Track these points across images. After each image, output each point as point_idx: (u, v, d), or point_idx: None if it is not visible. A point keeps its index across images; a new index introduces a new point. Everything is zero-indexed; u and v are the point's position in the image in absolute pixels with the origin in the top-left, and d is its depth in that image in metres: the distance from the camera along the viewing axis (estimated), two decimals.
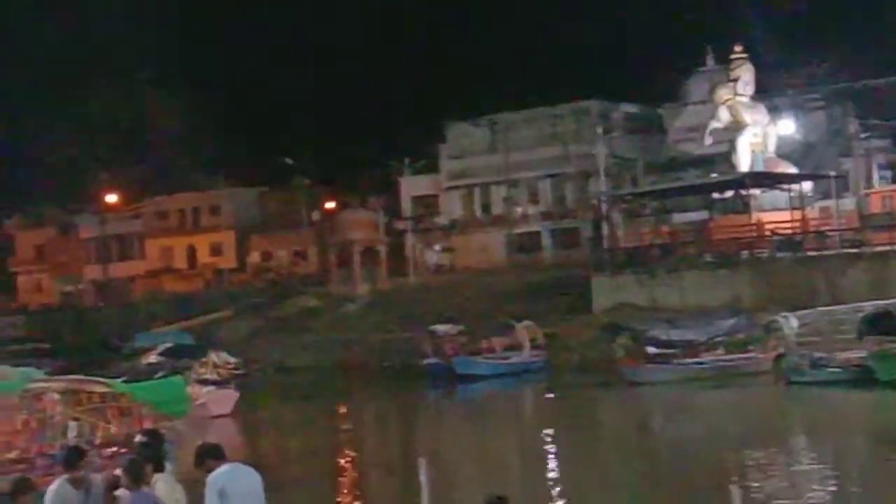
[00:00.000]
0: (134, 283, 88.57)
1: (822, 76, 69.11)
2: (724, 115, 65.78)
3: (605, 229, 64.70)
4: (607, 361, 48.26)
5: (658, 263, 57.83)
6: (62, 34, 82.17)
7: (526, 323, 54.69)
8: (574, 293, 59.49)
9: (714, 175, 62.62)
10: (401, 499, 23.46)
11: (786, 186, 60.55)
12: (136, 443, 12.28)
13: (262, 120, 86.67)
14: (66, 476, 10.92)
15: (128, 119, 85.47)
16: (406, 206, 78.96)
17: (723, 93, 65.91)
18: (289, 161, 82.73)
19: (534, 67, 77.28)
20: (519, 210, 74.39)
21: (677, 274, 56.01)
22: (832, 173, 60.08)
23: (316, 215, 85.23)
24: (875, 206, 60.17)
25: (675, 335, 46.17)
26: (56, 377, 27.68)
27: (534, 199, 74.38)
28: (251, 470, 10.50)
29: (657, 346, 45.79)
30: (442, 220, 76.75)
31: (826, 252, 54.33)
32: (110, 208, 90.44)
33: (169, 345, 55.03)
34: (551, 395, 45.00)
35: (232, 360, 54.55)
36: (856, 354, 38.58)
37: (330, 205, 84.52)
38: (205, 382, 44.79)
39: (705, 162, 64.96)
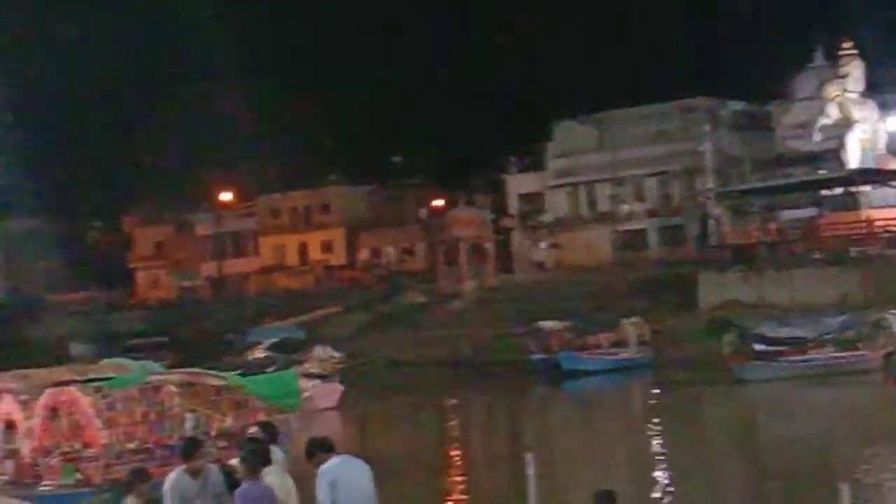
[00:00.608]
0: (247, 279, 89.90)
1: None
2: (833, 112, 65.09)
3: (711, 227, 64.54)
4: (714, 358, 48.18)
5: (765, 261, 57.61)
6: (176, 34, 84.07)
7: (632, 319, 54.99)
8: (680, 290, 59.44)
9: (823, 172, 62.06)
10: (507, 493, 23.61)
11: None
12: (251, 435, 12.92)
13: (372, 119, 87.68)
14: (183, 466, 11.25)
15: (242, 119, 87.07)
16: (512, 204, 79.38)
17: (832, 89, 65.18)
18: (398, 160, 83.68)
19: (641, 65, 77.19)
20: (625, 208, 74.38)
21: (785, 271, 55.71)
22: None
23: (424, 213, 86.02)
24: None
25: (782, 332, 45.94)
26: (173, 370, 28.38)
27: (640, 196, 74.27)
28: (361, 462, 10.80)
29: (765, 344, 45.59)
30: (548, 217, 77.03)
31: None
32: (225, 206, 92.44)
33: (274, 340, 56.11)
34: (657, 391, 45.17)
35: (336, 354, 55.53)
36: None
37: (438, 202, 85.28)
38: (310, 376, 45.75)
39: (814, 159, 64.34)
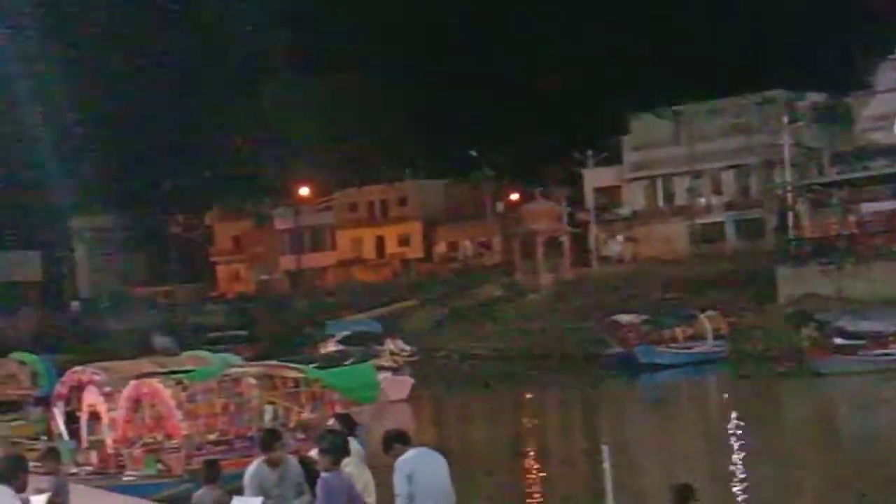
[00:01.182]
0: (325, 272, 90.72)
1: None
2: None
3: (790, 220, 63.95)
4: (792, 352, 47.99)
5: (845, 254, 57.00)
6: (255, 29, 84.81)
7: (709, 313, 54.79)
8: (758, 284, 59.08)
9: None
10: (584, 485, 23.86)
11: None
12: (330, 427, 12.95)
13: (448, 112, 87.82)
14: (263, 457, 11.37)
15: (320, 113, 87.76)
16: (589, 197, 79.24)
17: None
18: (474, 153, 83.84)
19: (718, 57, 76.39)
20: (702, 201, 73.92)
21: (865, 265, 55.11)
22: None
23: (500, 206, 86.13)
24: None
25: (862, 326, 45.61)
26: (252, 363, 28.89)
27: (717, 189, 73.78)
28: (437, 455, 10.88)
29: (844, 337, 45.28)
30: (624, 210, 76.80)
31: None
32: (303, 201, 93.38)
33: (346, 333, 56.48)
34: (734, 385, 45.00)
35: (407, 347, 55.90)
36: None
37: (514, 196, 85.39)
38: (381, 369, 46.11)
39: (895, 151, 63.57)
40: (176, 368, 26.01)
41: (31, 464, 19.27)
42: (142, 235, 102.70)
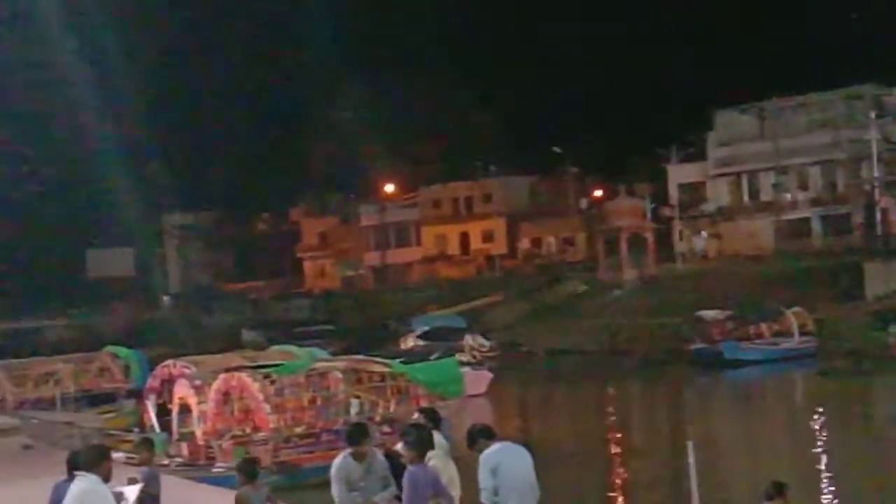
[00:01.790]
0: (410, 268, 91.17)
1: None
2: None
3: (877, 216, 63.17)
4: (880, 349, 47.47)
5: None
6: (340, 29, 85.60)
7: (795, 309, 54.31)
8: (845, 280, 58.46)
9: None
10: (668, 482, 23.87)
11: None
12: (415, 421, 12.94)
13: (532, 109, 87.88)
14: (349, 450, 11.48)
15: (405, 111, 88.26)
16: (673, 194, 78.85)
17: None
18: (558, 150, 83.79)
19: (804, 53, 75.65)
20: (788, 196, 73.21)
21: None
22: None
23: (584, 203, 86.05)
24: None
25: None
26: (339, 357, 29.39)
27: (803, 185, 73.02)
28: (522, 448, 10.91)
29: None
30: (709, 206, 76.30)
31: None
32: (388, 197, 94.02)
33: (425, 328, 56.74)
34: (821, 382, 44.62)
35: (486, 342, 56.05)
36: None
37: (597, 192, 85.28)
38: (460, 364, 46.28)
39: None
40: (264, 362, 26.56)
41: (125, 454, 19.98)
42: (230, 232, 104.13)
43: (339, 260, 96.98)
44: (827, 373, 46.35)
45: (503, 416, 40.11)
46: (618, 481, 24.68)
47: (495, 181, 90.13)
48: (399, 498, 10.90)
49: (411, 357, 32.05)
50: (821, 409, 34.07)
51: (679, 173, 78.50)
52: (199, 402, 24.28)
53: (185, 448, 24.14)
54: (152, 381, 27.42)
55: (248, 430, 24.13)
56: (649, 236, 73.53)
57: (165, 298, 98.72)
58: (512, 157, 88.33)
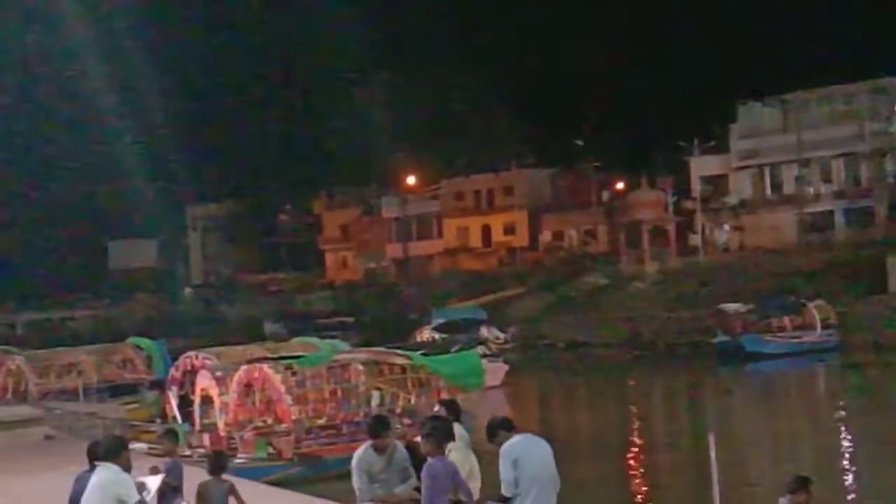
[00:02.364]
0: (432, 260, 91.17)
1: None
2: None
3: None
4: None
5: None
6: (363, 23, 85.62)
7: (817, 302, 54.16)
8: (869, 273, 58.23)
9: None
10: (690, 474, 23.62)
11: None
12: (435, 413, 13.04)
13: (554, 102, 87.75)
14: (370, 442, 11.44)
15: (426, 104, 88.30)
16: (695, 186, 78.59)
17: None
18: (579, 142, 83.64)
19: (827, 45, 75.29)
20: (811, 189, 72.88)
21: None
22: None
23: (605, 195, 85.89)
24: None
25: None
26: (360, 349, 29.49)
27: (826, 178, 72.65)
28: (543, 440, 10.85)
29: None
30: (731, 199, 76.01)
31: None
32: (410, 190, 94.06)
33: (440, 321, 56.70)
34: (843, 375, 44.51)
35: (501, 335, 56.02)
36: None
37: (619, 185, 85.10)
38: None
39: None
40: (286, 354, 26.64)
41: (147, 445, 20.05)
42: (253, 224, 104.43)
43: (361, 252, 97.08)
44: (849, 366, 46.21)
45: (519, 407, 40.11)
46: (638, 473, 24.66)
47: (517, 173, 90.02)
48: (419, 490, 10.82)
49: (432, 349, 32.09)
50: (843, 402, 34.00)
51: (701, 166, 78.21)
52: (221, 394, 24.36)
53: (207, 439, 24.19)
54: (174, 373, 27.56)
55: (269, 422, 24.19)
56: (671, 229, 73.37)
57: (187, 290, 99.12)
58: (534, 149, 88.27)
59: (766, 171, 74.99)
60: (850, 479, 22.35)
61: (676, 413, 40.07)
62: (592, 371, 52.57)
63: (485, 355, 46.07)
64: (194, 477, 12.31)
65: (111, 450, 9.70)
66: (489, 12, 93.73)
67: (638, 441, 29.58)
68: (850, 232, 69.41)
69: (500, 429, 10.68)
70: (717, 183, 77.29)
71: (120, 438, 10.46)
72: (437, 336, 49.29)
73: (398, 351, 26.83)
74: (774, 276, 62.43)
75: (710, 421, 34.55)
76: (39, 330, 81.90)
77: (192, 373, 26.52)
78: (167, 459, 13.24)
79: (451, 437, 11.02)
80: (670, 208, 74.72)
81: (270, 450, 23.06)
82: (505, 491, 10.46)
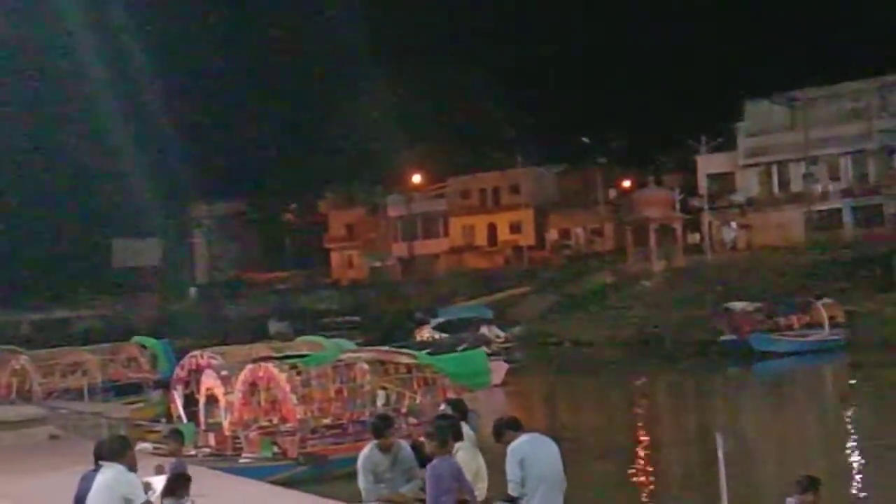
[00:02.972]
0: (437, 259, 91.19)
1: None
2: None
3: None
4: None
5: None
6: (367, 21, 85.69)
7: (826, 300, 53.97)
8: (876, 271, 58.06)
9: None
10: (697, 473, 23.65)
11: None
12: (441, 412, 12.91)
13: (560, 99, 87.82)
14: (375, 442, 11.57)
15: (433, 102, 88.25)
16: (702, 184, 78.47)
17: None
18: (586, 140, 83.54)
19: (835, 42, 75.28)
20: (819, 187, 72.73)
21: None
22: None
23: (612, 193, 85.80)
24: None
25: None
26: (365, 348, 29.32)
27: (834, 175, 72.53)
28: (549, 440, 10.88)
29: None
30: (738, 197, 75.87)
31: None
32: (416, 188, 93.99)
33: (441, 320, 56.58)
34: (852, 374, 44.30)
35: (502, 333, 55.84)
36: None
37: (626, 183, 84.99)
38: None
39: None
40: (291, 353, 26.50)
41: (152, 445, 19.92)
42: (258, 223, 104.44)
43: (367, 251, 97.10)
44: (858, 364, 46.03)
45: (524, 406, 39.98)
46: (645, 472, 24.50)
47: (523, 172, 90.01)
48: (425, 489, 10.78)
49: (438, 348, 32.02)
50: (851, 401, 33.82)
51: (708, 163, 78.10)
52: (226, 393, 24.23)
53: (212, 439, 24.09)
54: (179, 372, 27.42)
55: (274, 421, 24.07)
56: (678, 227, 73.21)
57: (192, 289, 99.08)
58: (541, 147, 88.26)
59: (774, 169, 74.90)
60: (858, 479, 22.16)
61: (684, 412, 39.87)
62: (599, 370, 52.38)
63: (487, 354, 46.16)
64: (199, 476, 12.19)
65: (115, 450, 9.67)
66: (494, 10, 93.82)
67: (645, 440, 29.41)
68: (858, 230, 69.27)
69: (507, 428, 10.72)
70: (724, 181, 77.15)
71: (125, 438, 10.42)
72: (436, 335, 49.18)
73: (404, 350, 26.79)
74: (782, 275, 62.29)
75: (718, 420, 34.56)
76: (44, 329, 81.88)
77: (197, 372, 26.37)
78: (172, 460, 13.16)
79: (459, 436, 11.07)
80: (677, 206, 74.54)
81: (275, 449, 22.91)
82: (511, 491, 10.44)
